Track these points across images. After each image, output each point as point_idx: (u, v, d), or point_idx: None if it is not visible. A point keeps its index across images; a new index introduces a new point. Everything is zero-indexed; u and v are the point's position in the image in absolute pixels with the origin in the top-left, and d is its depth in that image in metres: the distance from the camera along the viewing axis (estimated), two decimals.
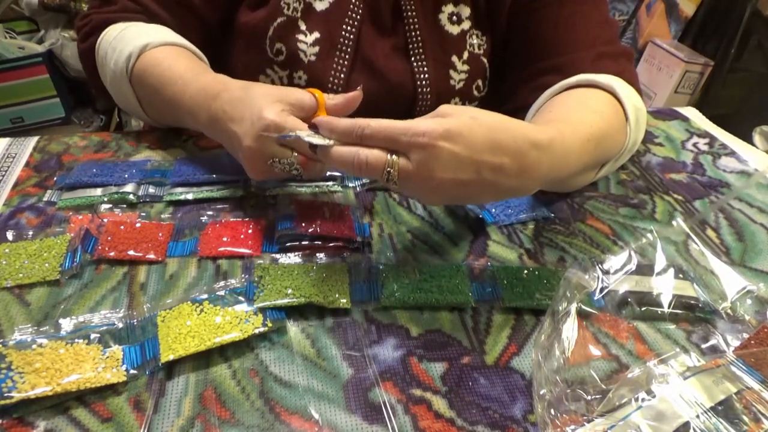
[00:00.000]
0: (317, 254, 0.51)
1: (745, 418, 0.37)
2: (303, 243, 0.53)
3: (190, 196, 0.58)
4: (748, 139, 0.93)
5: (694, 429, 0.36)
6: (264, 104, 0.49)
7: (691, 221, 0.59)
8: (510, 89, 0.72)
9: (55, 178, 0.60)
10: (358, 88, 0.53)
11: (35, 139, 0.67)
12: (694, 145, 0.75)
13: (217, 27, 0.71)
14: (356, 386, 0.41)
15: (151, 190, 0.58)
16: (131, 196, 0.57)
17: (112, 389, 0.40)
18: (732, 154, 0.73)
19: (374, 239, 0.55)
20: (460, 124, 0.42)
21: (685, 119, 0.81)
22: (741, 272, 0.52)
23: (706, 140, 0.76)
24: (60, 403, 0.38)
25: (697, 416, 0.37)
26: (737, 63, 1.70)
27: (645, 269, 0.50)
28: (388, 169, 0.43)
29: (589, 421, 0.37)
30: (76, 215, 0.55)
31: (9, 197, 0.57)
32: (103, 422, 0.38)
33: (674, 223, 0.58)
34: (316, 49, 0.67)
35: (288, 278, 0.47)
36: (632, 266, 0.50)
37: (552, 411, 0.38)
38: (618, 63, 0.64)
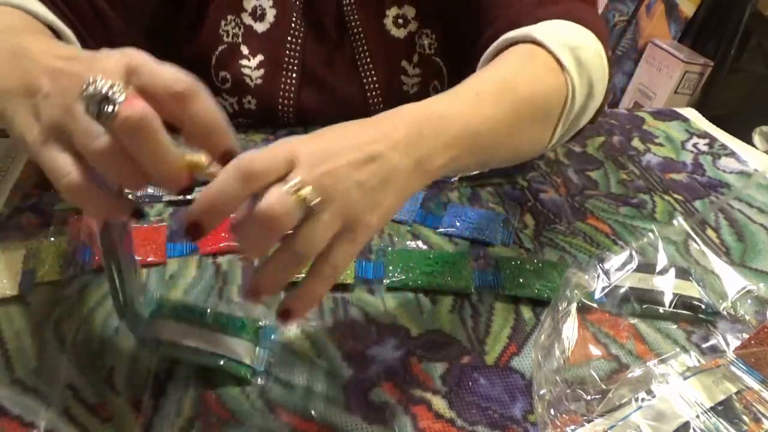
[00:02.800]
0: None
1: (745, 418, 0.37)
2: None
3: (189, 196, 0.58)
4: (747, 139, 0.93)
5: (694, 429, 0.36)
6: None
7: (691, 221, 0.59)
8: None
9: None
10: None
11: None
12: (694, 145, 0.75)
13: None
14: (356, 386, 0.41)
15: (150, 190, 0.58)
16: (129, 196, 0.57)
17: (112, 389, 0.40)
18: (732, 154, 0.73)
19: (374, 239, 0.54)
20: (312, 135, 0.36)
21: (685, 120, 0.82)
22: (741, 272, 0.52)
23: (706, 141, 0.76)
24: (60, 403, 0.38)
25: (697, 416, 0.37)
26: (737, 63, 1.70)
27: (646, 269, 0.50)
28: (297, 193, 0.32)
29: (589, 421, 0.37)
30: (76, 216, 0.54)
31: (9, 197, 0.57)
32: (103, 422, 0.38)
33: (675, 222, 0.58)
34: (261, 71, 0.66)
35: None
36: (633, 266, 0.50)
37: (552, 411, 0.38)
38: (564, 4, 0.54)
